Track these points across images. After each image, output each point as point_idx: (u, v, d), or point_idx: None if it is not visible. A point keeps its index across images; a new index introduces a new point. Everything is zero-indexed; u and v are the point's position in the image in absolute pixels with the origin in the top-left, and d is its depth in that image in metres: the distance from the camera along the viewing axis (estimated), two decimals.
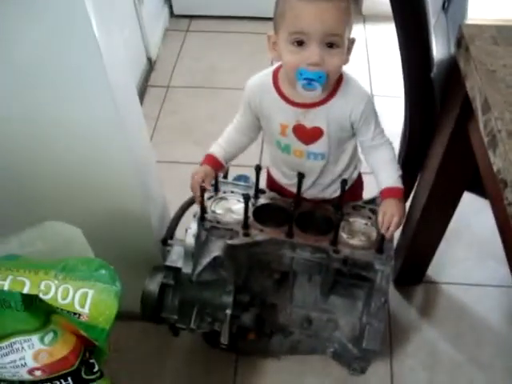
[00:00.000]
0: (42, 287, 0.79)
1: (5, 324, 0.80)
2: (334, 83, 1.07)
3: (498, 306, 1.62)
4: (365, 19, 2.72)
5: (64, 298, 0.79)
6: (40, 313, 0.78)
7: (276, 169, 1.29)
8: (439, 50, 1.19)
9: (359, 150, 1.23)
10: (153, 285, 1.21)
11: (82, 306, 0.79)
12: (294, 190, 1.25)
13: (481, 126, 0.90)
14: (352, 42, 1.03)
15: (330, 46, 0.97)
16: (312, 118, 1.11)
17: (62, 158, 1.10)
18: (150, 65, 2.46)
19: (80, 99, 0.99)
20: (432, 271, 1.65)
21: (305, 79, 0.99)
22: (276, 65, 1.12)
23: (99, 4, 0.91)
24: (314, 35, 0.96)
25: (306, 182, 1.24)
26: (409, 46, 1.09)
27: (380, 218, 1.12)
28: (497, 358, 1.49)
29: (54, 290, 0.79)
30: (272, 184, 1.34)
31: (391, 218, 1.11)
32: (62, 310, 0.79)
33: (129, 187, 1.17)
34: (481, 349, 1.52)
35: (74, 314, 0.80)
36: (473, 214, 1.74)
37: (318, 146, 1.15)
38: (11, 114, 1.01)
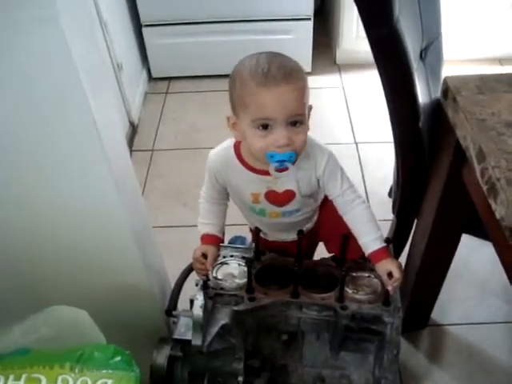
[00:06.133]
0: (60, 382, 0.76)
1: None
2: None
3: (505, 342, 1.62)
4: (340, 69, 2.79)
5: None
6: None
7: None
8: (421, 96, 1.22)
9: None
10: (161, 358, 1.18)
11: None
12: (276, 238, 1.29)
13: (477, 174, 0.91)
14: (310, 109, 1.04)
15: (294, 124, 0.99)
16: (282, 183, 1.12)
17: (60, 237, 1.08)
18: (133, 129, 2.47)
19: (76, 176, 0.99)
20: (435, 314, 1.64)
21: (277, 161, 1.00)
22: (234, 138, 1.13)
23: (92, 75, 0.91)
24: (279, 119, 0.96)
25: (291, 235, 1.26)
26: (396, 100, 1.11)
27: (386, 279, 1.11)
28: None
29: None
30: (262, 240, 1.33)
31: (397, 273, 1.10)
32: None
33: (129, 259, 1.15)
34: None
35: None
36: (469, 252, 1.75)
37: (292, 205, 1.17)
38: (6, 195, 1.00)
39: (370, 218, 1.15)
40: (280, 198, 1.15)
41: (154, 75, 2.80)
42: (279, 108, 0.96)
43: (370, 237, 1.14)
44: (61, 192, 1.01)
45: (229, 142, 1.14)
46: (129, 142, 2.39)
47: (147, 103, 2.67)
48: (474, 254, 1.78)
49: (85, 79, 0.87)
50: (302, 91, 0.98)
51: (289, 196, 1.15)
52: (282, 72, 0.95)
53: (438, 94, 1.32)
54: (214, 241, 1.17)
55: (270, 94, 0.95)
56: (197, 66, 2.75)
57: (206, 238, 1.17)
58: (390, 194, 1.82)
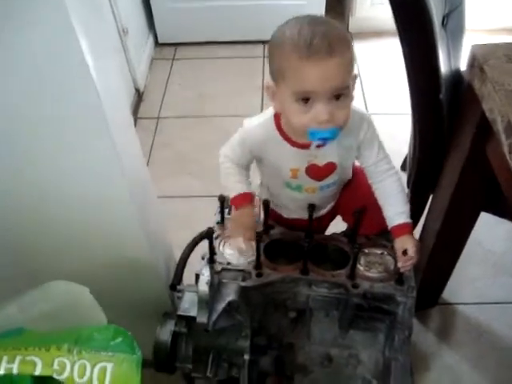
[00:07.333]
0: (56, 366, 0.71)
1: None
2: None
3: None
4: (352, 37, 2.69)
5: (81, 376, 0.71)
6: None
7: (280, 206, 1.25)
8: (442, 66, 1.16)
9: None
10: (165, 334, 1.14)
11: (102, 383, 0.72)
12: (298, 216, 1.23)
13: (505, 149, 0.85)
14: (355, 79, 0.97)
15: (338, 97, 0.92)
16: (324, 156, 1.07)
17: (60, 210, 1.03)
18: (139, 96, 2.41)
19: (77, 146, 0.93)
20: (445, 292, 1.61)
21: (319, 139, 0.95)
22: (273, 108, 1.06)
23: (94, 41, 0.85)
24: (320, 94, 0.90)
25: (322, 210, 1.23)
26: (418, 70, 1.05)
27: (399, 255, 1.09)
28: None
29: (70, 368, 0.71)
30: (276, 217, 1.28)
31: (412, 253, 1.07)
32: None
33: (132, 231, 1.10)
34: (503, 370, 1.47)
35: None
36: (482, 230, 1.69)
37: (331, 178, 1.13)
38: (6, 168, 0.95)
39: (400, 190, 1.12)
40: (321, 172, 1.10)
41: (161, 40, 2.72)
42: (322, 82, 0.89)
43: (397, 209, 1.11)
44: (60, 163, 0.96)
45: (269, 113, 1.06)
46: (134, 110, 2.33)
47: (153, 69, 2.60)
48: (487, 232, 1.73)
49: (85, 44, 0.81)
50: (347, 64, 0.91)
51: (330, 168, 1.10)
52: (326, 43, 0.87)
53: (458, 62, 1.26)
54: (251, 199, 1.12)
55: (313, 68, 0.88)
56: (205, 31, 2.66)
57: (244, 198, 1.11)
58: (403, 167, 1.76)
